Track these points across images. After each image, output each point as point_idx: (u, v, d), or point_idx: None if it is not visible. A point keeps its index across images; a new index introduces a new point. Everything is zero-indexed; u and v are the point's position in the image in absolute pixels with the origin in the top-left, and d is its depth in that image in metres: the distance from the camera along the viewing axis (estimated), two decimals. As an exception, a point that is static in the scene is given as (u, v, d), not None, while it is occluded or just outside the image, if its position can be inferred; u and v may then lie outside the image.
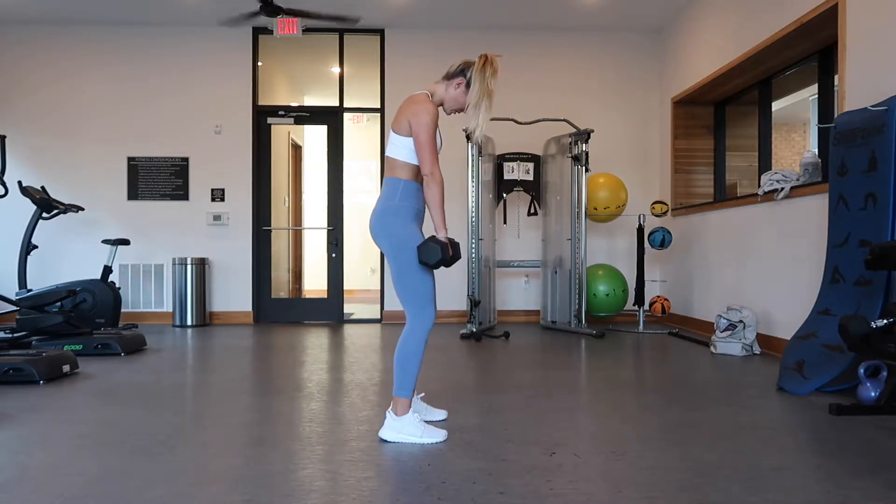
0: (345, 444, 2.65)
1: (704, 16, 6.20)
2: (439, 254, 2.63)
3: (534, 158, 6.68)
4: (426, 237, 2.74)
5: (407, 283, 2.72)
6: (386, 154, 2.83)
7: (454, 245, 2.73)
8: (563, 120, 6.32)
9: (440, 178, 2.69)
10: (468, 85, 2.78)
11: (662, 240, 6.32)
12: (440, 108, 2.84)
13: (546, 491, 2.11)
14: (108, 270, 6.10)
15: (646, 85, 7.31)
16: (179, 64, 7.17)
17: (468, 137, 6.10)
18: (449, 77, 2.83)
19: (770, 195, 4.86)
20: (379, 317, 7.36)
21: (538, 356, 4.97)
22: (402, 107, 2.78)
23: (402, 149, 2.75)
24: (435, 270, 2.75)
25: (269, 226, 7.37)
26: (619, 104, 7.31)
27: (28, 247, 5.94)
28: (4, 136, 5.65)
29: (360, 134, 9.55)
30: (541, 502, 2.03)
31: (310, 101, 9.19)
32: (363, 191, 10.20)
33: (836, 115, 4.01)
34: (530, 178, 6.65)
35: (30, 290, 5.70)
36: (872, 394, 3.17)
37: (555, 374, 4.24)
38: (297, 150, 8.78)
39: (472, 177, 6.16)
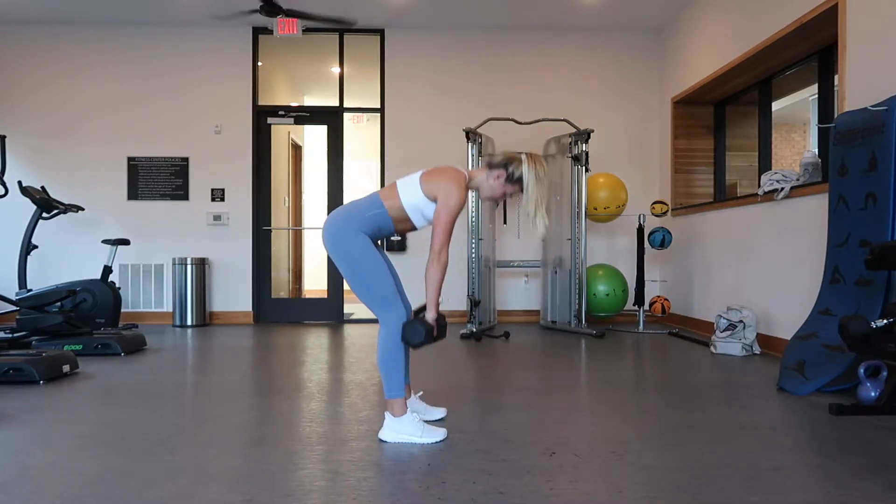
0: (345, 444, 2.65)
1: (704, 16, 6.20)
2: (423, 336, 2.65)
3: (534, 158, 6.66)
4: (416, 309, 2.78)
5: (364, 288, 2.71)
6: (398, 182, 2.78)
7: (441, 325, 2.76)
8: (563, 120, 6.31)
9: (446, 261, 2.69)
10: (508, 179, 2.77)
11: (662, 240, 6.32)
12: (472, 191, 2.86)
13: (546, 491, 2.11)
14: (108, 270, 6.10)
15: (646, 85, 7.31)
16: (179, 64, 7.17)
17: (468, 136, 6.11)
18: (490, 167, 2.82)
19: (770, 195, 4.86)
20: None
21: (538, 356, 4.97)
22: (441, 171, 2.76)
23: (411, 196, 2.73)
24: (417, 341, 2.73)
25: (269, 226, 7.37)
26: (619, 104, 7.31)
27: (28, 247, 5.94)
28: (4, 136, 5.65)
29: (360, 134, 9.54)
30: (541, 502, 2.03)
31: (310, 101, 9.19)
32: (363, 191, 10.07)
33: (836, 115, 4.01)
34: (530, 178, 6.64)
35: (30, 290, 5.70)
36: (872, 394, 3.17)
37: (555, 374, 4.24)
38: (297, 150, 8.78)
39: (472, 177, 6.15)
